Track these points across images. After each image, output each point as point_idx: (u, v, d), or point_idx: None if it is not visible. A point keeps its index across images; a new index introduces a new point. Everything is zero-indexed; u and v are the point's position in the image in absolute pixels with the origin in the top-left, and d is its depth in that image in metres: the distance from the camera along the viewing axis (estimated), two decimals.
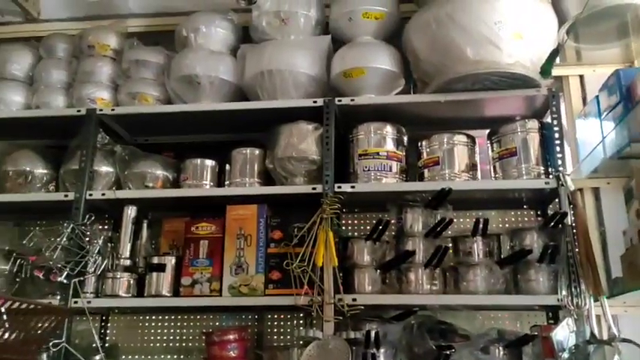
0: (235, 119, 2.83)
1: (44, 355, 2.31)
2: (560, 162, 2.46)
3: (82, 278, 2.46)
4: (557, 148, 2.48)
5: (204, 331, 2.67)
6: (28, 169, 2.77)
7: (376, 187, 2.59)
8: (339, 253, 2.49)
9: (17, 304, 1.79)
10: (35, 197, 2.73)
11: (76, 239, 2.51)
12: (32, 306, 1.53)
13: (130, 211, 2.65)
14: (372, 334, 2.35)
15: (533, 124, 2.61)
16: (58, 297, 2.46)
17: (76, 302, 2.46)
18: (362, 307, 2.40)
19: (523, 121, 2.62)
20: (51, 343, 2.28)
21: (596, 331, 2.21)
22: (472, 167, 2.65)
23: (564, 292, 2.30)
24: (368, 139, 2.66)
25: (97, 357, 2.48)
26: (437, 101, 2.61)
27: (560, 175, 2.42)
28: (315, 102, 2.68)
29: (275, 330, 2.87)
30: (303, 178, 2.67)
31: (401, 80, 2.81)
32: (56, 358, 2.36)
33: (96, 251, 2.50)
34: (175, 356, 2.86)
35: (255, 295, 2.50)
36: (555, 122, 2.52)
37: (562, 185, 2.41)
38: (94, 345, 2.60)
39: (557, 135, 2.51)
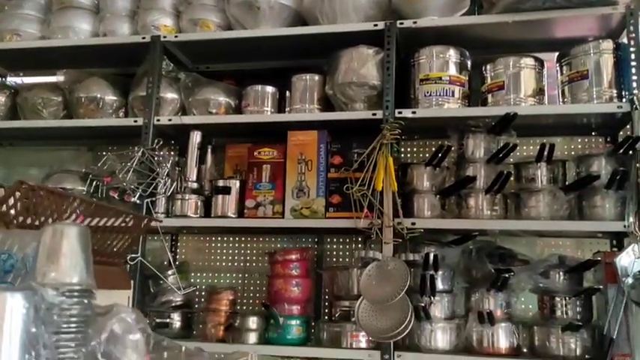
0: (295, 45, 2.82)
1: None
2: (635, 85, 2.34)
3: (153, 199, 2.60)
4: (633, 70, 2.35)
5: (267, 251, 2.80)
6: (99, 95, 2.89)
7: (437, 113, 2.56)
8: (399, 179, 2.52)
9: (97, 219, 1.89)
10: (107, 122, 2.87)
11: (147, 162, 2.64)
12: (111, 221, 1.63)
13: (195, 137, 2.74)
14: (431, 256, 2.40)
15: (608, 44, 2.47)
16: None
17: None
18: (421, 231, 2.44)
19: (597, 41, 2.48)
20: (128, 257, 2.46)
21: None
22: (539, 92, 2.56)
23: (631, 219, 2.25)
24: (430, 64, 2.61)
25: (170, 272, 2.66)
26: (504, 22, 2.51)
27: (635, 98, 2.31)
28: (375, 25, 2.63)
29: (334, 253, 2.97)
30: (363, 104, 2.67)
31: (465, 1, 2.69)
32: (133, 271, 2.55)
33: (165, 174, 2.63)
34: (240, 275, 3.02)
35: (316, 218, 2.58)
36: (632, 42, 2.38)
37: (636, 109, 2.30)
38: (165, 263, 2.79)
39: (633, 56, 2.37)
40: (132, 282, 2.06)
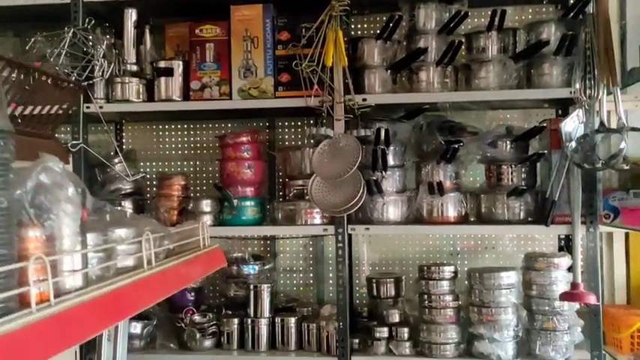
0: None
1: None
2: None
3: (90, 82, 2.45)
4: None
5: (217, 135, 2.72)
6: None
7: None
8: (349, 55, 2.44)
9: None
10: (33, 1, 2.60)
11: (79, 44, 2.45)
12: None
13: (130, 14, 2.54)
14: (382, 131, 2.39)
15: None
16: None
17: (88, 107, 2.48)
18: (372, 106, 2.41)
19: None
20: (69, 144, 2.36)
21: (605, 121, 2.22)
22: None
23: (578, 85, 2.28)
24: None
25: (117, 159, 2.57)
26: None
27: None
28: None
29: (286, 136, 2.93)
30: None
31: None
32: (77, 160, 2.45)
33: (101, 55, 2.46)
34: (191, 162, 2.97)
35: (265, 98, 2.50)
36: None
37: None
38: (112, 153, 2.68)
39: None
40: (70, 159, 1.98)
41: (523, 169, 2.43)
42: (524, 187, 2.35)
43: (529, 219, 2.40)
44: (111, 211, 1.20)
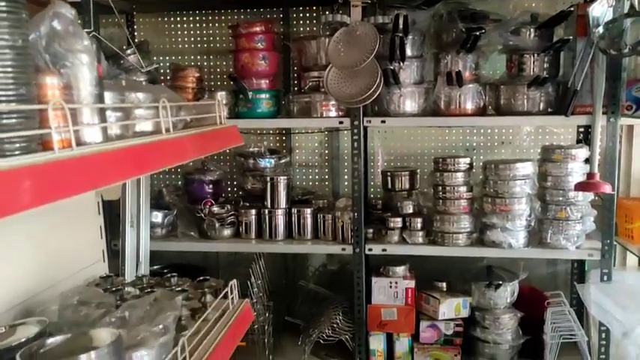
0: None
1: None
2: None
3: None
4: None
5: (230, 25, 2.65)
6: None
7: None
8: None
9: None
10: None
11: None
12: None
13: None
14: (401, 18, 2.30)
15: None
16: None
17: None
18: None
19: None
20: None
21: (636, 4, 2.11)
22: None
23: None
24: None
25: (129, 51, 2.53)
26: None
27: None
28: None
29: (301, 27, 2.85)
30: None
31: None
32: None
33: None
34: (205, 55, 2.92)
35: None
36: None
37: None
38: (124, 46, 2.63)
39: None
40: None
41: (546, 59, 2.35)
42: (546, 77, 2.28)
43: (549, 110, 2.35)
44: (126, 78, 1.19)
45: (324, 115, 2.51)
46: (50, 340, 1.08)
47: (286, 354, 2.66)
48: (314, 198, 2.78)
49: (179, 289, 1.51)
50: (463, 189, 2.42)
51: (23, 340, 1.12)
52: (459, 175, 2.43)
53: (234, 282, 1.61)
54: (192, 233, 2.66)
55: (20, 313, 1.31)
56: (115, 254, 2.18)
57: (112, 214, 2.21)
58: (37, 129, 0.82)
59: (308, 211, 2.61)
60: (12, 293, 1.32)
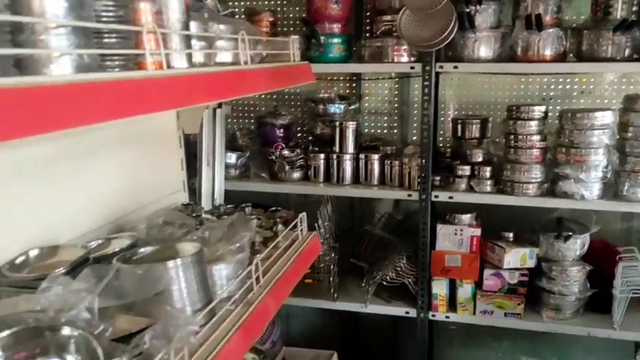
0: None
1: None
2: None
3: None
4: None
5: None
6: None
7: None
8: None
9: None
10: None
11: None
12: None
13: None
14: None
15: None
16: None
17: None
18: None
19: None
20: None
21: None
22: None
23: None
24: None
25: None
26: None
27: None
28: None
29: None
30: None
31: None
32: None
33: None
34: (279, 1, 2.95)
35: None
36: None
37: None
38: None
39: None
40: None
41: (635, 1, 2.21)
42: (634, 20, 2.15)
43: (634, 56, 2.23)
44: (208, 10, 1.25)
45: (396, 61, 2.50)
46: (141, 250, 1.21)
47: (350, 294, 2.76)
48: (382, 145, 2.80)
49: (253, 217, 1.61)
50: (536, 138, 2.37)
51: (117, 249, 1.26)
52: (533, 123, 2.37)
53: (303, 214, 1.70)
54: (263, 175, 2.77)
55: (113, 230, 1.46)
56: (192, 192, 2.32)
57: (190, 155, 2.34)
58: (132, 48, 0.90)
59: (375, 156, 2.64)
60: (107, 212, 1.46)
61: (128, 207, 1.53)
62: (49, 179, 1.29)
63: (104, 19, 0.84)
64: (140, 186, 1.60)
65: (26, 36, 0.71)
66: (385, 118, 3.00)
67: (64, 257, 1.17)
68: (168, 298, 1.08)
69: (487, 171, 2.47)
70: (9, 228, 1.19)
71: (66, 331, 0.91)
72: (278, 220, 1.64)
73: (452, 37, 2.27)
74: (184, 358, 1.01)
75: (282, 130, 2.85)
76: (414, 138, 2.93)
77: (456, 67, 2.40)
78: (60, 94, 0.66)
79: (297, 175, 2.72)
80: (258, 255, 1.41)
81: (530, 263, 2.49)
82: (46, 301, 0.93)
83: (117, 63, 0.85)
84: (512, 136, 2.40)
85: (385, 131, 3.01)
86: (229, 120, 3.04)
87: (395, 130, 3.00)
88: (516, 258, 2.48)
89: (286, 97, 3.06)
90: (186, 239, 1.30)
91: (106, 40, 0.84)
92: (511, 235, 2.55)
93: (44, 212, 1.27)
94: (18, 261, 1.17)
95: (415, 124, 2.92)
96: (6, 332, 0.87)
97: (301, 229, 1.69)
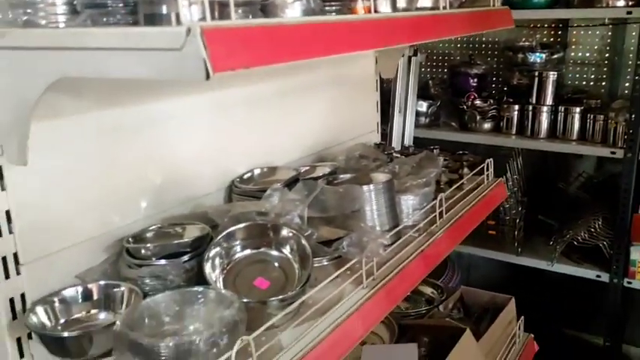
0: None
1: None
2: None
3: None
4: None
5: None
6: None
7: None
8: None
9: None
10: None
11: None
12: None
13: None
14: None
15: None
16: None
17: None
18: None
19: None
20: None
21: None
22: None
23: None
24: None
25: None
26: None
27: None
28: None
29: None
30: None
31: None
32: None
33: None
34: None
35: None
36: None
37: None
38: None
39: None
40: None
41: None
42: None
43: None
44: None
45: (610, 5, 2.29)
46: (341, 176, 1.40)
47: (535, 251, 2.70)
48: (585, 97, 2.62)
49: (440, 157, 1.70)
50: None
51: (321, 174, 1.47)
52: None
53: (490, 160, 1.73)
54: (453, 124, 2.81)
55: (317, 160, 1.68)
56: (383, 137, 2.47)
57: (383, 102, 2.48)
58: None
59: (577, 109, 2.50)
60: (312, 144, 1.68)
61: (329, 142, 1.74)
62: (271, 112, 1.53)
63: None
64: (340, 124, 1.79)
65: None
66: (592, 69, 2.78)
67: (280, 177, 1.41)
68: (362, 216, 1.24)
69: None
70: (239, 151, 1.46)
71: (284, 230, 1.12)
72: (465, 163, 1.70)
73: None
74: (373, 267, 1.18)
75: (475, 80, 2.83)
76: (626, 91, 2.67)
77: None
78: (292, 32, 0.83)
79: (488, 125, 2.71)
80: (443, 193, 1.51)
81: None
82: (270, 205, 1.16)
83: (334, 8, 1.01)
84: None
85: (591, 83, 2.80)
86: (423, 69, 3.11)
87: (602, 82, 2.77)
88: None
89: (483, 46, 3.00)
90: (378, 171, 1.46)
91: None
92: None
93: (265, 140, 1.53)
94: (245, 177, 1.44)
95: (628, 76, 2.66)
96: (242, 224, 1.11)
97: (487, 174, 1.73)
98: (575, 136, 2.52)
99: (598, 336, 2.72)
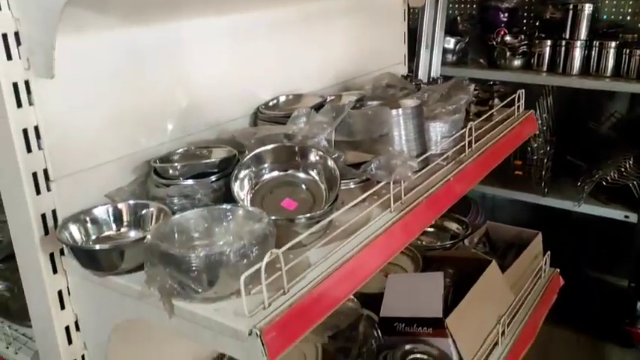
0: None
1: None
2: None
3: None
4: None
5: None
6: None
7: None
8: None
9: None
10: None
11: None
12: None
13: None
14: None
15: None
16: None
17: None
18: None
19: None
20: None
21: None
22: None
23: None
24: None
25: None
26: None
27: None
28: None
29: None
30: None
31: None
32: None
33: None
34: None
35: None
36: None
37: None
38: None
39: None
40: None
41: None
42: None
43: None
44: None
45: None
46: (369, 102, 1.36)
47: (562, 191, 2.65)
48: (622, 32, 2.50)
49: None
50: None
51: (347, 102, 1.43)
52: None
53: (521, 91, 1.67)
54: (481, 61, 2.72)
55: (342, 89, 1.65)
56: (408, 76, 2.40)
57: (410, 39, 2.40)
58: None
59: (612, 44, 2.38)
60: (337, 73, 1.65)
61: (355, 71, 1.69)
62: (296, 38, 1.49)
63: None
64: (366, 53, 1.74)
65: None
66: (630, 2, 2.63)
67: (305, 104, 1.38)
68: (390, 141, 1.22)
69: None
70: (265, 77, 1.43)
71: (311, 152, 1.11)
72: (495, 94, 1.65)
73: None
74: (401, 192, 1.16)
75: (506, 15, 2.72)
76: None
77: None
78: None
79: (517, 62, 2.61)
80: (472, 122, 1.46)
81: None
82: (297, 127, 1.14)
83: None
84: None
85: (627, 18, 2.66)
86: (450, 5, 2.99)
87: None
88: None
89: None
90: (407, 98, 1.42)
91: None
92: None
93: (290, 67, 1.49)
94: (270, 103, 1.42)
95: None
96: (271, 146, 1.10)
97: (518, 106, 1.68)
98: (609, 73, 2.42)
99: (623, 278, 2.70)
